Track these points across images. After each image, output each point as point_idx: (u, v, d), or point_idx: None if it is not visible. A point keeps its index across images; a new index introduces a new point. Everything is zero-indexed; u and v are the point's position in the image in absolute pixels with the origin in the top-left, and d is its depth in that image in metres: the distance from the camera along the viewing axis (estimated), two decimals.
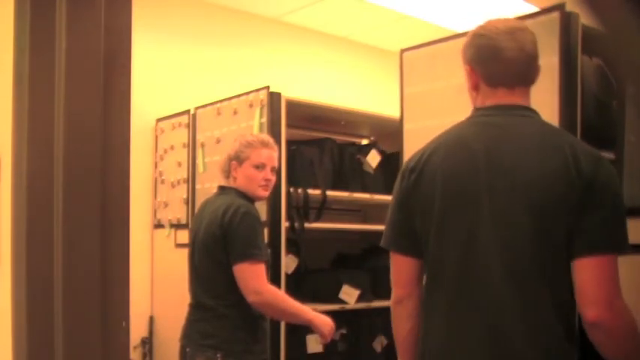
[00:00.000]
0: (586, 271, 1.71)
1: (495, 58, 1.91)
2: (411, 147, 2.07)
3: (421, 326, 1.98)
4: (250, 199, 3.00)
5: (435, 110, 2.88)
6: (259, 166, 3.00)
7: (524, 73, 1.92)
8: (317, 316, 2.98)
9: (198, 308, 2.97)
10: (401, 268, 2.03)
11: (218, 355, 2.81)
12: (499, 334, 1.77)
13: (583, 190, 1.71)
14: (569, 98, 2.39)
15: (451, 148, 1.92)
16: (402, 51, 3.08)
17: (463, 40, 1.98)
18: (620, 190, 1.80)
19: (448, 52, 2.82)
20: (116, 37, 1.09)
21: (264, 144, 3.04)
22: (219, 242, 2.85)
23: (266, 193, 3.07)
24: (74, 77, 0.96)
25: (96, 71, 1.02)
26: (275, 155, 3.08)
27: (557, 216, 1.74)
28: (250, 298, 2.81)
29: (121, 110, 1.07)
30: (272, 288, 2.90)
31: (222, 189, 3.09)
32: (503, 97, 1.91)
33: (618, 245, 1.72)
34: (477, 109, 1.96)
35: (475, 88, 1.96)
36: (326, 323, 2.97)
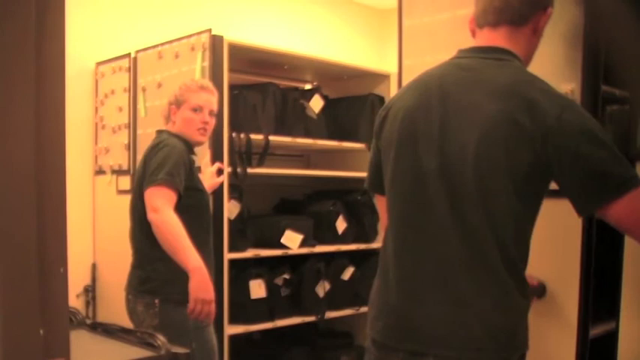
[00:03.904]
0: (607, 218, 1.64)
1: None
2: None
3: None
4: (189, 144, 2.98)
5: (437, 45, 2.60)
6: (197, 109, 2.97)
7: (508, 8, 1.79)
8: (196, 270, 2.65)
9: (137, 253, 2.95)
10: (383, 208, 2.01)
11: (156, 301, 2.79)
12: (446, 279, 1.74)
13: (542, 138, 1.61)
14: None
15: (415, 89, 1.88)
16: None
17: None
18: (599, 134, 1.63)
19: None
20: None
21: (202, 87, 3.02)
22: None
23: (204, 138, 3.05)
24: (2, 19, 0.93)
25: (27, 13, 0.99)
26: (213, 99, 3.05)
27: (507, 165, 1.66)
28: (149, 215, 2.71)
29: (55, 53, 1.04)
30: (174, 215, 2.70)
31: (158, 133, 3.05)
32: (485, 39, 1.84)
33: (616, 189, 1.59)
34: (458, 51, 1.89)
35: (473, 34, 1.90)
36: (200, 288, 2.65)
